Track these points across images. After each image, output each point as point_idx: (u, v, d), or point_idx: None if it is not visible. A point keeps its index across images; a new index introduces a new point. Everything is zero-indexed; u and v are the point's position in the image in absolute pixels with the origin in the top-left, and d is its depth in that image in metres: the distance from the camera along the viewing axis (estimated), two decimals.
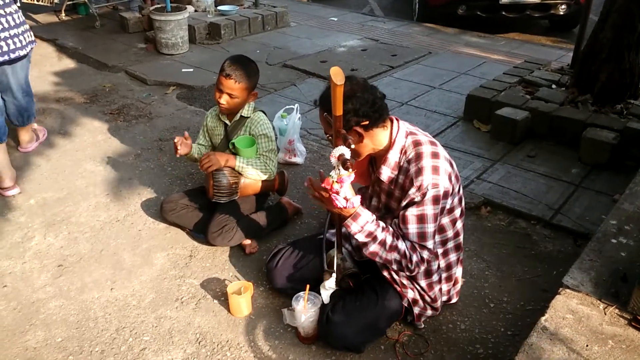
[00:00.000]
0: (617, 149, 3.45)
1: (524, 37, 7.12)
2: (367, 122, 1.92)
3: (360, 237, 1.93)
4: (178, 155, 2.74)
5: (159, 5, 6.00)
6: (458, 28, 7.05)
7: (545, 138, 3.85)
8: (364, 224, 1.90)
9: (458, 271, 2.28)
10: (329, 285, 2.11)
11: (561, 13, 6.93)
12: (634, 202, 2.58)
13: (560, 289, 2.09)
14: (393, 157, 2.01)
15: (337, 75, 1.67)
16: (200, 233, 2.79)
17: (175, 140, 2.71)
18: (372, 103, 1.92)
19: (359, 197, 1.90)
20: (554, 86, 4.34)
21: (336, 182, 1.81)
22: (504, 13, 6.94)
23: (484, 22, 7.14)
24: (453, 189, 1.99)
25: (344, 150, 1.77)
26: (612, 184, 3.30)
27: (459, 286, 2.33)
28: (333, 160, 1.79)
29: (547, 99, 4.02)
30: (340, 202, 1.84)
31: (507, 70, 4.77)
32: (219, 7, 6.73)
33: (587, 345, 1.83)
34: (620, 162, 3.48)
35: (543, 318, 1.95)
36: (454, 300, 2.35)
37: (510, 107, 3.94)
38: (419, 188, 1.90)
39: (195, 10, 6.75)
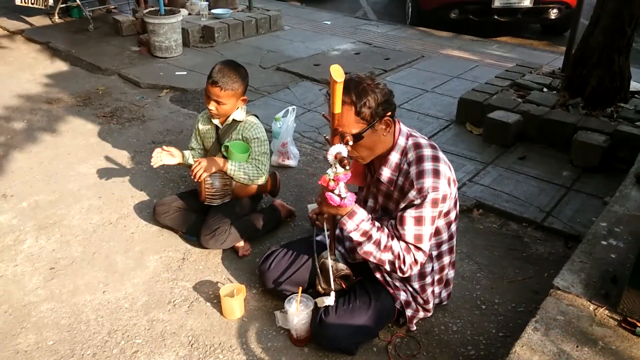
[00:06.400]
0: (607, 152, 3.48)
1: (516, 41, 7.17)
2: (390, 114, 1.95)
3: (355, 236, 1.94)
4: (155, 166, 2.75)
5: (152, 9, 6.00)
6: (451, 32, 7.09)
7: (536, 141, 3.88)
8: (359, 222, 1.92)
9: (450, 273, 2.29)
10: (329, 302, 2.10)
11: (552, 17, 6.98)
12: (624, 205, 2.60)
13: (551, 290, 2.10)
14: (394, 158, 2.02)
15: (337, 72, 1.67)
16: (193, 236, 2.79)
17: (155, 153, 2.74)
18: (390, 94, 1.95)
19: (353, 197, 1.91)
20: (545, 90, 4.37)
21: (333, 179, 1.82)
22: (496, 17, 6.98)
23: (476, 25, 7.18)
24: (451, 193, 2.00)
25: (341, 149, 1.78)
26: (603, 186, 3.32)
27: (450, 288, 2.34)
28: (330, 158, 1.80)
29: (539, 103, 4.05)
30: (334, 199, 1.85)
31: (499, 74, 4.81)
32: (213, 11, 6.74)
33: (577, 346, 1.84)
34: (610, 165, 3.51)
35: (534, 319, 1.97)
36: (445, 302, 2.37)
37: (502, 110, 3.97)
38: (420, 191, 1.90)
39: (189, 14, 6.75)
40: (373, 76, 1.97)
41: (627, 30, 3.80)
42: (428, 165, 1.93)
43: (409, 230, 1.93)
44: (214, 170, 2.63)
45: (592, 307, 2.02)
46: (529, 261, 2.73)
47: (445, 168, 1.96)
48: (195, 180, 2.62)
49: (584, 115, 3.84)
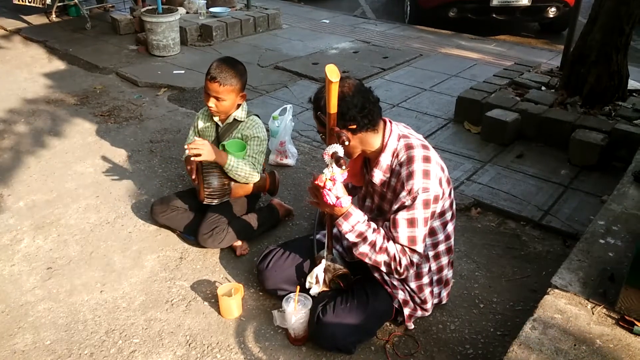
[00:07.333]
0: (605, 151, 3.48)
1: (514, 39, 7.17)
2: (354, 127, 1.93)
3: (351, 237, 1.94)
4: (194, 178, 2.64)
5: (150, 7, 5.99)
6: (449, 30, 7.08)
7: (534, 139, 3.88)
8: (355, 224, 1.92)
9: (449, 273, 2.29)
10: (319, 271, 2.09)
11: (551, 16, 6.98)
12: (621, 203, 2.60)
13: (549, 289, 2.10)
14: (385, 160, 2.01)
15: (332, 72, 1.67)
16: (191, 235, 2.78)
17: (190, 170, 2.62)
18: (360, 107, 1.91)
19: (349, 197, 1.91)
20: (543, 88, 4.37)
21: (329, 179, 1.82)
22: (494, 15, 6.98)
23: (474, 24, 7.18)
24: (444, 193, 1.99)
25: (337, 148, 1.78)
26: (601, 185, 3.32)
27: (449, 287, 2.34)
28: (326, 158, 1.80)
29: (537, 101, 4.05)
30: (330, 199, 1.85)
31: (497, 72, 4.81)
32: (211, 9, 6.73)
33: (575, 345, 1.84)
34: (608, 163, 3.51)
35: (532, 318, 1.96)
36: (444, 302, 2.36)
37: (500, 108, 3.96)
38: (410, 192, 1.90)
39: (187, 12, 6.74)
40: (352, 86, 1.92)
41: (625, 29, 3.80)
42: (418, 166, 1.92)
43: (402, 232, 1.93)
44: (213, 158, 2.51)
45: (590, 305, 2.01)
46: (527, 260, 2.73)
47: (437, 168, 1.96)
48: (190, 154, 2.47)
49: (582, 114, 3.84)
